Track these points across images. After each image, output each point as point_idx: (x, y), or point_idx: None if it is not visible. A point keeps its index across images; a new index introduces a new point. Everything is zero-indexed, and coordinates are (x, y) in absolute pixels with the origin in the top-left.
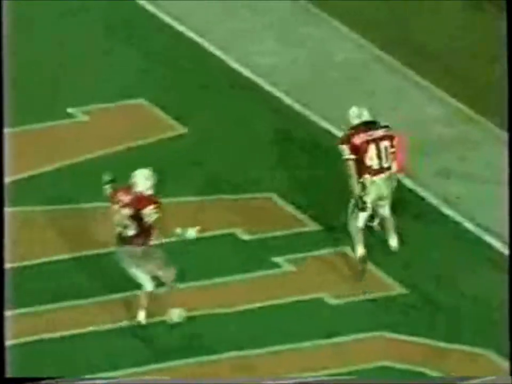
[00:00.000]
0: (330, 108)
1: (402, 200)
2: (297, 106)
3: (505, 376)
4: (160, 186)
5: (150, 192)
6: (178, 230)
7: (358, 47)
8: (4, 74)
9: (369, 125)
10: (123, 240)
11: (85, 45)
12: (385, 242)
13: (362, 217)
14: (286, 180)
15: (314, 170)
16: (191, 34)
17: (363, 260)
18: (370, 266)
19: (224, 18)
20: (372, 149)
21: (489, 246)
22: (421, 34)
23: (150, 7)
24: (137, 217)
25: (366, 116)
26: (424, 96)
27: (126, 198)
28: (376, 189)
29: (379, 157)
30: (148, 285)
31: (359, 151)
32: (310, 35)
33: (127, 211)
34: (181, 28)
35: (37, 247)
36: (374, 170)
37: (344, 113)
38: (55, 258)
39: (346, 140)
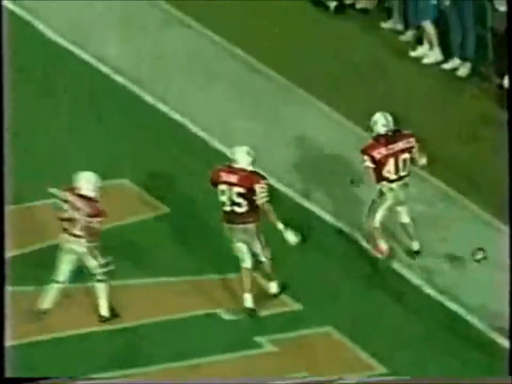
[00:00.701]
0: (314, 189)
1: (384, 279)
2: (281, 187)
3: (505, 376)
4: (142, 266)
5: (251, 168)
6: (280, 225)
7: (340, 127)
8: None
9: (391, 137)
10: (234, 218)
11: (68, 125)
12: (368, 320)
13: (379, 214)
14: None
15: (298, 251)
16: (174, 114)
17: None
18: (350, 344)
19: (205, 98)
20: (390, 163)
21: (470, 325)
22: (399, 113)
23: (133, 87)
24: (248, 195)
25: (391, 126)
26: None
27: (232, 178)
28: (393, 194)
29: (397, 169)
30: (249, 262)
31: (378, 164)
32: (292, 114)
33: (237, 190)
34: (164, 108)
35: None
36: (391, 180)
37: (327, 195)
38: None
39: (367, 150)
